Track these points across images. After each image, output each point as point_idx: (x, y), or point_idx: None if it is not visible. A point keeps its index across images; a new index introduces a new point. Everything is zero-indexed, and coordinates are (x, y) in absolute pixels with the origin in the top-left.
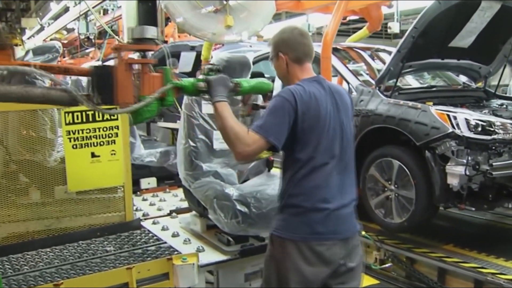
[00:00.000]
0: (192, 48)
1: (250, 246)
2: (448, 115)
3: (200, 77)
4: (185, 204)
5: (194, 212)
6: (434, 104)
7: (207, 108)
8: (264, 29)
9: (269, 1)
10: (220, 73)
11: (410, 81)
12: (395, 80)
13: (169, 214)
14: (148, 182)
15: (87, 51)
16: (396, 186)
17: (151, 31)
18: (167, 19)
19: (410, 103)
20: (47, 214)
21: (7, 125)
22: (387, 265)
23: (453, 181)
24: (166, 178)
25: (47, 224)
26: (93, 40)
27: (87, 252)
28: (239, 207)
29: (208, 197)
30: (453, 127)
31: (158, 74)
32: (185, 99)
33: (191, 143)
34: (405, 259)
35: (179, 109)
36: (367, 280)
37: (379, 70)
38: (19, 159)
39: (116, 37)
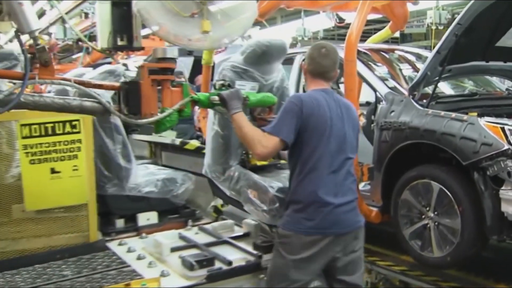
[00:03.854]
0: (190, 53)
1: (218, 270)
2: (502, 129)
3: (213, 91)
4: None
5: (156, 235)
6: (479, 115)
7: None
8: (258, 33)
9: (250, 5)
10: (230, 88)
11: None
12: (432, 86)
13: (138, 234)
14: (148, 218)
15: (74, 56)
16: (436, 213)
17: (171, 52)
18: None
19: (453, 114)
20: (2, 235)
21: None
22: None
23: (508, 209)
24: (170, 212)
25: (2, 246)
26: (80, 45)
27: (42, 277)
28: (276, 193)
29: (241, 189)
30: (509, 143)
31: (177, 89)
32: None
33: (222, 131)
34: (398, 282)
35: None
36: None
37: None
38: None
39: (89, 43)
